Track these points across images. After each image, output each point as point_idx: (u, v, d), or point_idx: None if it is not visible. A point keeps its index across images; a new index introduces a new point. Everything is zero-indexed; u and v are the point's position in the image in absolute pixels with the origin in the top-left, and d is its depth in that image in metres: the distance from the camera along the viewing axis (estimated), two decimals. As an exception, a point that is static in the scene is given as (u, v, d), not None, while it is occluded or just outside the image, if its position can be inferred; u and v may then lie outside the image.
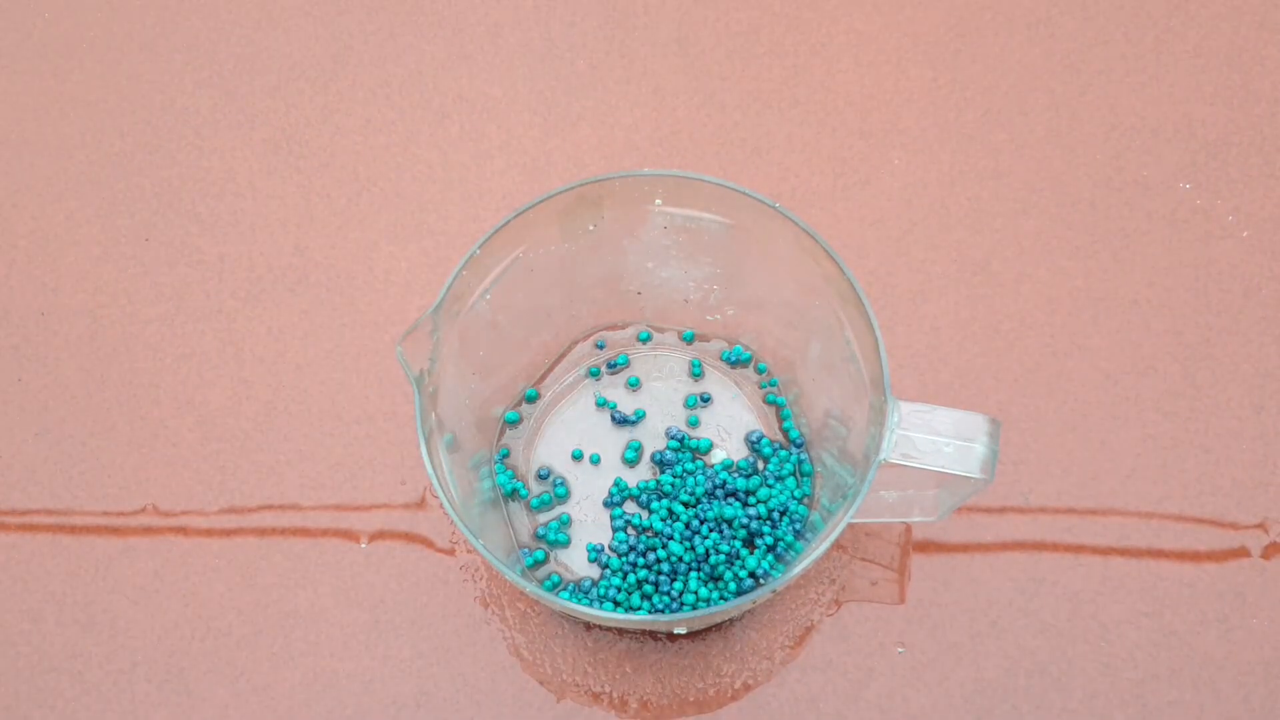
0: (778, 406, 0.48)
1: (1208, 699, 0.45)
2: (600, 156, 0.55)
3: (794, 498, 0.46)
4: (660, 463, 0.47)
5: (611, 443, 0.48)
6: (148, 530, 0.48)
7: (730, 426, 0.48)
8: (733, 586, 0.44)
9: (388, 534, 0.48)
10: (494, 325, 0.45)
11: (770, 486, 0.46)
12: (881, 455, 0.38)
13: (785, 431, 0.48)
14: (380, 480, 0.49)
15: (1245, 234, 0.53)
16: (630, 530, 0.46)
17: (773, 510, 0.45)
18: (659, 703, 0.45)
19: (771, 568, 0.44)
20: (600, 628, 0.46)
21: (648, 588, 0.44)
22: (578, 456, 0.48)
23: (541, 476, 0.47)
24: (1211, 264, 0.52)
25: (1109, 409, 0.49)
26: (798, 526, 0.45)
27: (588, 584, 0.45)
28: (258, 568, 0.48)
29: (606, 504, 0.47)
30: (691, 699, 0.45)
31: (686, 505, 0.46)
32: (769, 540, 0.44)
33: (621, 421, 0.48)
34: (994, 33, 0.57)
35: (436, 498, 0.49)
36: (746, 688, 0.45)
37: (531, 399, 0.49)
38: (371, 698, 0.45)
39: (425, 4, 0.59)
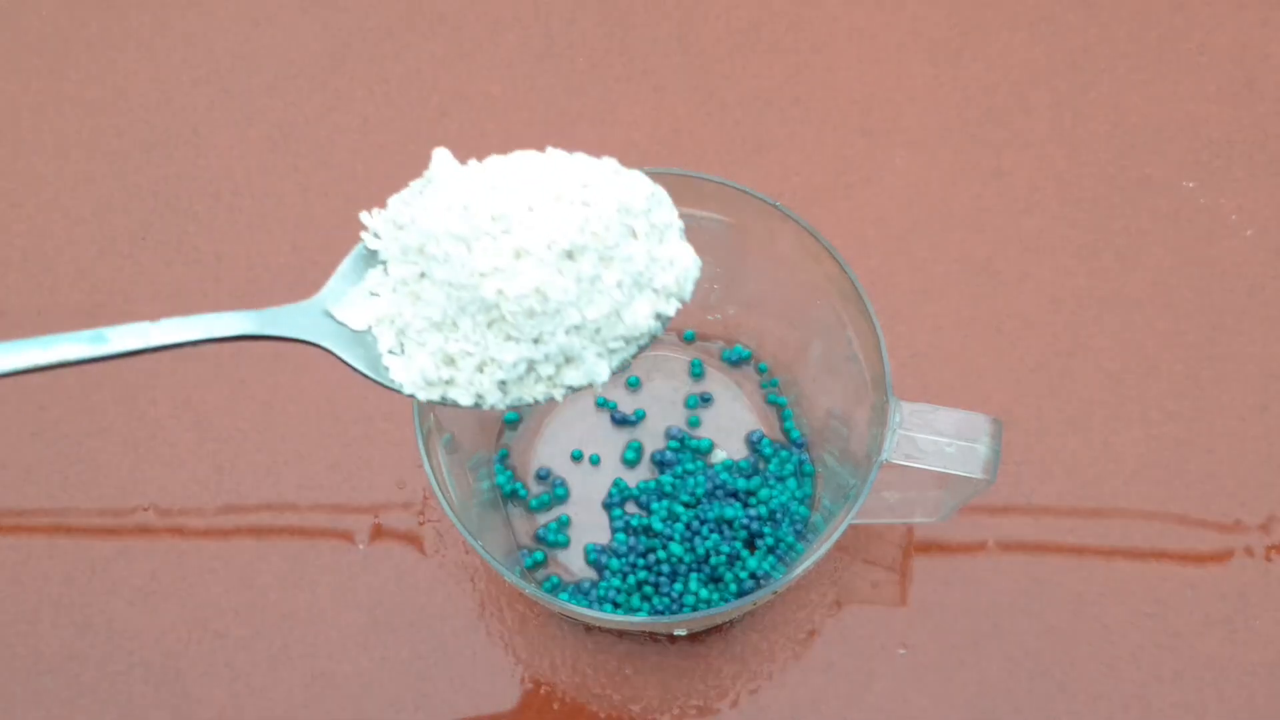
0: (778, 406, 0.48)
1: (1211, 700, 0.44)
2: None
3: (795, 498, 0.45)
4: (660, 463, 0.47)
5: (611, 443, 0.48)
6: (145, 531, 0.48)
7: (731, 427, 0.48)
8: (733, 588, 0.44)
9: (386, 535, 0.48)
10: (493, 325, 0.45)
11: (771, 487, 0.46)
12: (883, 456, 0.38)
13: (786, 432, 0.47)
14: (378, 481, 0.49)
15: (1249, 233, 0.52)
16: (630, 531, 0.46)
17: (774, 511, 0.45)
18: (659, 705, 0.45)
19: (772, 569, 0.44)
20: (600, 629, 0.46)
21: (648, 589, 0.44)
22: (577, 457, 0.47)
23: (541, 477, 0.47)
24: (1215, 263, 0.52)
25: (1112, 409, 0.49)
26: (799, 527, 0.45)
27: (587, 585, 0.45)
28: (255, 569, 0.47)
29: (606, 505, 0.47)
30: (692, 701, 0.45)
31: (687, 506, 0.45)
32: (770, 541, 0.44)
33: (621, 422, 0.48)
34: (996, 30, 0.57)
35: (435, 498, 0.48)
36: (747, 690, 0.45)
37: (531, 399, 0.49)
38: (370, 699, 0.45)
39: (424, 2, 0.59)
